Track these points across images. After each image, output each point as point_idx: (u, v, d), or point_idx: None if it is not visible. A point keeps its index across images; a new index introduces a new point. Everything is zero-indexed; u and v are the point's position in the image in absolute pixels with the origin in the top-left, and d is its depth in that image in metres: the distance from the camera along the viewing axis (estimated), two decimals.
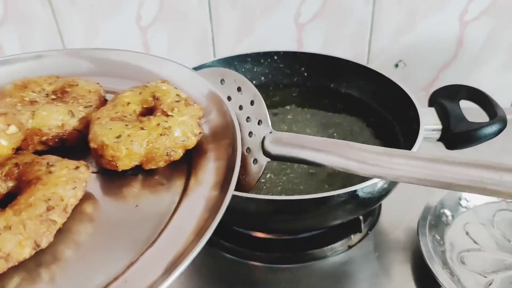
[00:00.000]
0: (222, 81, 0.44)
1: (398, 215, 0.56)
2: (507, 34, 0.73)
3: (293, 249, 0.52)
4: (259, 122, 0.41)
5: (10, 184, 0.34)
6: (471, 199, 0.54)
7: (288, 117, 0.62)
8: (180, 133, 0.36)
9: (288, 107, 0.64)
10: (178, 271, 0.28)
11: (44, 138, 0.38)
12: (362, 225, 0.52)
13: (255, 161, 0.41)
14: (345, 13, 0.72)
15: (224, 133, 0.38)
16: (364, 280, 0.49)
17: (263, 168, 0.41)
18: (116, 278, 0.30)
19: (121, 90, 0.41)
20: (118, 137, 0.35)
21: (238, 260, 0.52)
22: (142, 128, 0.36)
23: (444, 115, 0.52)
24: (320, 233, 0.53)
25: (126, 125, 0.36)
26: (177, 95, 0.40)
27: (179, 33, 0.76)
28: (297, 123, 0.61)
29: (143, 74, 0.45)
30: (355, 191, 0.42)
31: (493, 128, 0.49)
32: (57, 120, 0.38)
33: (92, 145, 0.36)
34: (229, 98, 0.43)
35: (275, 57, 0.67)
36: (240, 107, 0.43)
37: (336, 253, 0.52)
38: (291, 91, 0.67)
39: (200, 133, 0.38)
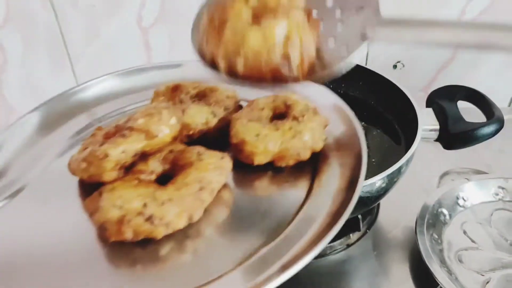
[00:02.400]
0: None
1: (396, 214, 0.57)
2: None
3: None
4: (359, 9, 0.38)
5: (166, 166, 0.40)
6: (469, 199, 0.54)
7: None
8: (309, 137, 0.40)
9: None
10: (312, 254, 0.31)
11: (190, 132, 0.44)
12: (361, 224, 0.52)
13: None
14: None
15: (349, 143, 0.42)
16: (362, 279, 0.50)
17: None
18: (251, 255, 0.33)
19: (251, 98, 0.47)
20: (257, 135, 0.40)
21: None
22: (277, 130, 0.41)
23: (441, 115, 0.52)
24: None
25: (263, 126, 0.41)
26: (306, 104, 0.44)
27: (180, 33, 0.77)
28: None
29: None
30: None
31: (490, 128, 0.50)
32: (202, 118, 0.44)
33: (234, 140, 0.41)
34: None
35: None
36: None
37: (335, 252, 0.52)
38: None
39: (326, 139, 0.42)
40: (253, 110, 0.44)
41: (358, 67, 0.63)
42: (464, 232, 0.51)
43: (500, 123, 0.50)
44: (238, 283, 0.32)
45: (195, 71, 0.53)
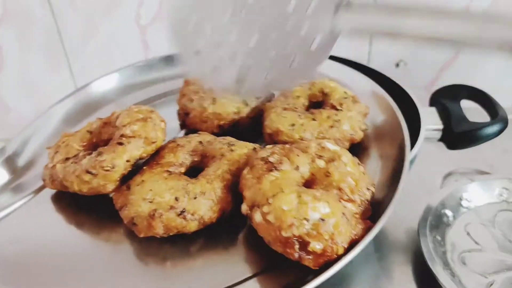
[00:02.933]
0: None
1: (398, 216, 0.55)
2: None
3: None
4: None
5: (196, 158, 0.39)
6: (472, 200, 0.54)
7: None
8: (348, 126, 0.38)
9: None
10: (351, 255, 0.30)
11: (222, 122, 0.43)
12: None
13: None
14: None
15: (390, 133, 0.40)
16: (364, 281, 0.49)
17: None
18: None
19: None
20: (293, 125, 0.38)
21: None
22: (313, 119, 0.39)
23: (445, 115, 0.51)
24: None
25: (299, 115, 0.39)
26: (344, 92, 0.42)
27: None
28: None
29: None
30: None
31: (494, 128, 0.49)
32: (233, 107, 0.43)
33: (268, 130, 0.39)
34: None
35: None
36: None
37: None
38: None
39: (366, 129, 0.40)
40: (288, 98, 0.42)
41: (359, 66, 0.62)
42: (468, 234, 0.51)
43: (504, 122, 0.49)
44: (274, 282, 0.31)
45: None
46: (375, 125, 0.42)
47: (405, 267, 0.50)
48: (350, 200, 0.33)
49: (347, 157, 0.35)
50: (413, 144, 0.47)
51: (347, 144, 0.38)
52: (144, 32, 0.76)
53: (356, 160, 0.36)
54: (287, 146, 0.36)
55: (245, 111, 0.43)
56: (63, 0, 0.73)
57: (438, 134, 0.51)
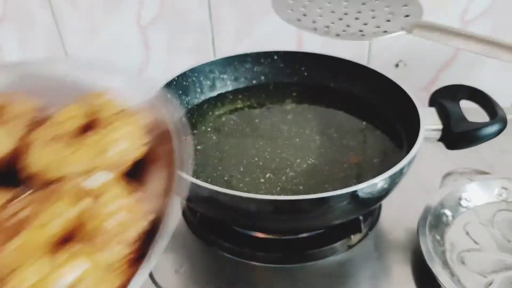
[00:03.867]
0: None
1: (398, 215, 0.56)
2: (508, 33, 0.73)
3: (292, 249, 0.52)
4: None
5: None
6: (472, 199, 0.54)
7: (288, 117, 0.62)
8: (124, 146, 0.33)
9: (288, 107, 0.64)
10: None
11: None
12: (362, 225, 0.52)
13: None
14: None
15: (169, 139, 0.33)
16: (364, 281, 0.49)
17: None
18: None
19: (58, 106, 0.36)
20: (54, 161, 0.32)
21: (238, 260, 0.51)
22: (79, 148, 0.32)
23: (444, 115, 0.51)
24: (319, 233, 0.53)
25: (63, 145, 0.32)
26: (118, 105, 0.35)
27: (179, 32, 0.76)
28: (297, 123, 0.61)
29: (79, 86, 0.39)
30: (355, 191, 0.42)
31: (494, 128, 0.49)
32: None
33: (25, 174, 0.32)
34: None
35: (275, 57, 0.67)
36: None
37: (336, 253, 0.52)
38: (291, 90, 0.67)
39: (146, 142, 0.34)
40: (53, 126, 0.34)
41: (359, 66, 0.63)
42: (467, 233, 0.51)
43: (504, 122, 0.49)
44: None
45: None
46: (159, 134, 0.35)
47: (404, 266, 0.50)
48: (116, 245, 0.28)
49: (113, 191, 0.30)
50: (412, 144, 0.47)
51: (127, 166, 0.33)
52: (144, 33, 0.76)
53: (129, 189, 0.31)
54: (37, 195, 0.30)
55: (3, 149, 0.33)
56: (63, 0, 0.73)
57: (438, 134, 0.51)
